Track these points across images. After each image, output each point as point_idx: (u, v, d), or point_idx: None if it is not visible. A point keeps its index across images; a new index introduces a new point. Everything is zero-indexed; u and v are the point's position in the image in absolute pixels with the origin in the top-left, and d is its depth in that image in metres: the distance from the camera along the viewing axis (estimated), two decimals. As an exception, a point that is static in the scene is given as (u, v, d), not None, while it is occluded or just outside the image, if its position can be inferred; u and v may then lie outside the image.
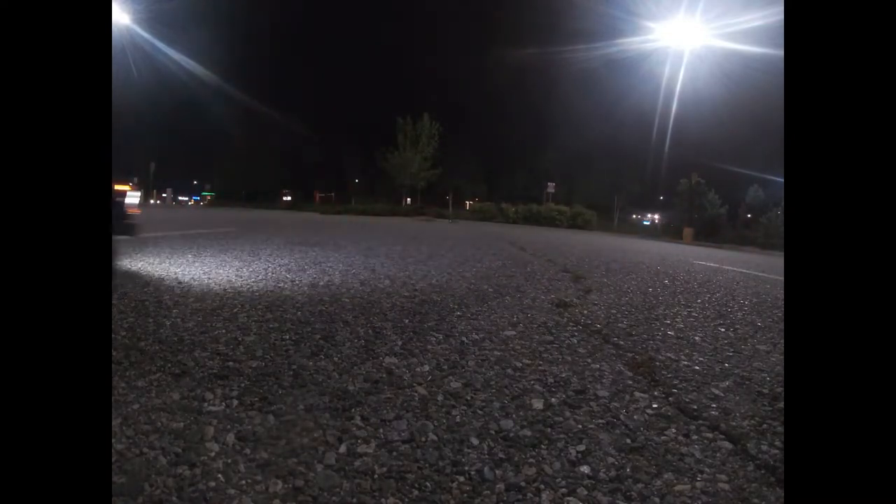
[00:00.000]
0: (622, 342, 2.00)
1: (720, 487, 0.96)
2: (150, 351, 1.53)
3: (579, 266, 4.85)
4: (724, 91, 22.89)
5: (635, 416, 1.26)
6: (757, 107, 24.04)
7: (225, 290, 2.61)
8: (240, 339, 1.72)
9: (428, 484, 0.92)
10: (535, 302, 2.76)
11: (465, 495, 0.89)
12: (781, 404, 1.39)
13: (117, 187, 2.55)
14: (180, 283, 2.75)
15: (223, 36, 44.15)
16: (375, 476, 0.93)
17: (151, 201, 32.79)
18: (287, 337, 1.78)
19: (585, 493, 0.91)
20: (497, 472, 0.97)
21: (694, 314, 2.73)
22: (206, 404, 1.18)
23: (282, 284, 2.86)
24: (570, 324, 2.27)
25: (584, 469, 0.99)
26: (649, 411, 1.30)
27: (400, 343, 1.79)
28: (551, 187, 25.98)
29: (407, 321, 2.13)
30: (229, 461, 0.95)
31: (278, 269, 3.47)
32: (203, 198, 48.39)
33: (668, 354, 1.86)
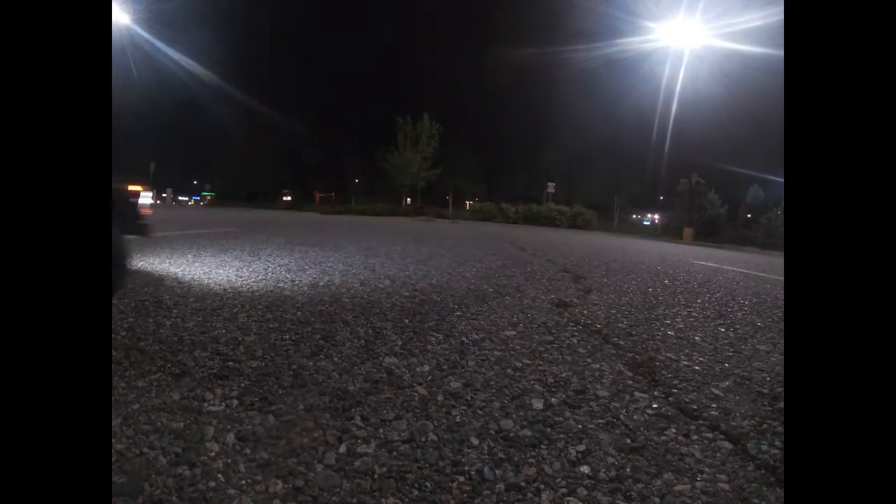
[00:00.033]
0: (622, 342, 2.00)
1: (720, 487, 0.96)
2: (150, 351, 1.54)
3: (579, 266, 4.85)
4: (724, 91, 22.91)
5: (635, 416, 1.26)
6: (757, 107, 24.05)
7: (225, 290, 2.61)
8: (240, 339, 1.72)
9: (428, 484, 0.92)
10: (535, 302, 2.76)
11: (465, 495, 0.89)
12: (781, 404, 1.39)
13: (131, 188, 2.54)
14: (180, 283, 2.75)
15: (223, 36, 44.27)
16: (375, 476, 0.93)
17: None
18: (287, 337, 1.78)
19: (585, 493, 0.91)
20: (497, 472, 0.97)
21: (694, 314, 2.73)
22: (206, 404, 1.18)
23: (282, 284, 2.86)
24: (570, 324, 2.27)
25: (584, 469, 1.00)
26: (649, 411, 1.30)
27: (400, 343, 1.79)
28: (551, 187, 25.95)
29: (407, 321, 2.13)
30: (229, 461, 0.95)
31: (278, 269, 3.47)
32: (203, 198, 48.34)
33: (668, 354, 1.86)
